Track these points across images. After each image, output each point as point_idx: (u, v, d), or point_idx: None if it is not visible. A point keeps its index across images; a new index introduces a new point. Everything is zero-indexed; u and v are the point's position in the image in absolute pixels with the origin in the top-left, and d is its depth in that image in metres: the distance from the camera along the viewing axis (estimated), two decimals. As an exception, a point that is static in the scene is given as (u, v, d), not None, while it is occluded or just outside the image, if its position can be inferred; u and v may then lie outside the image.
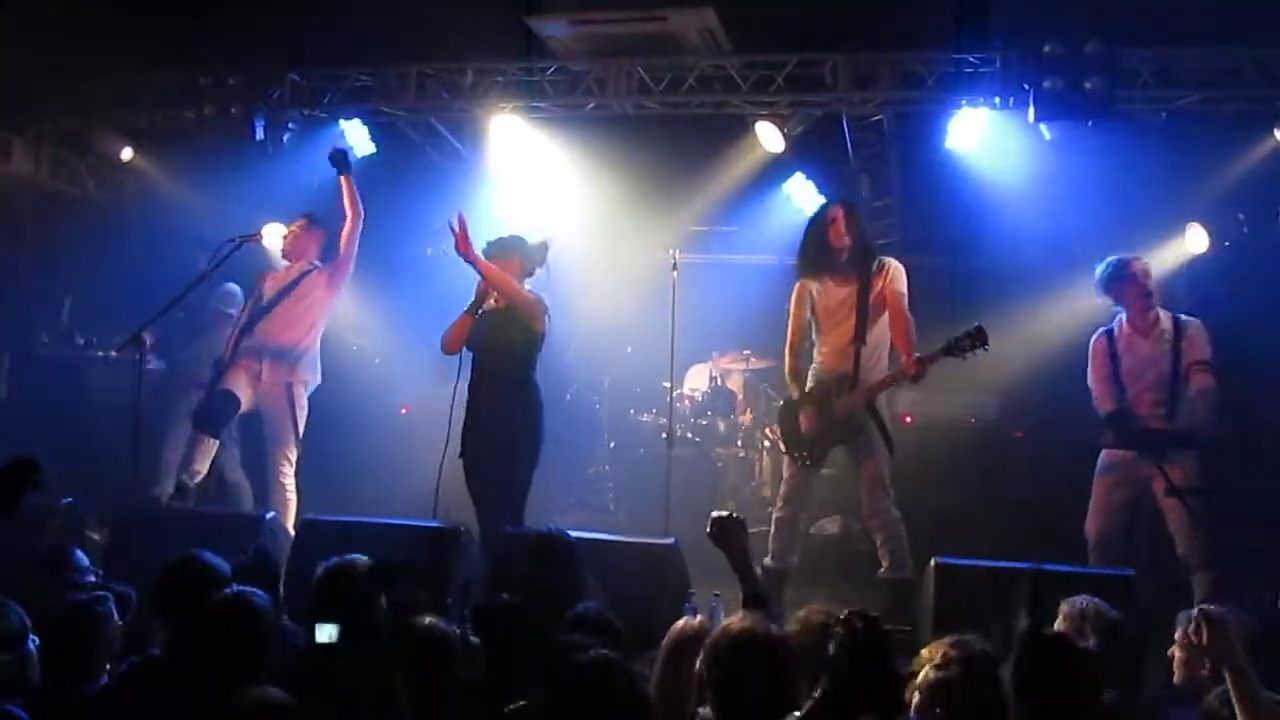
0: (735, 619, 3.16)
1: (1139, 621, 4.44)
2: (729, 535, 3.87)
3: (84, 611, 3.66)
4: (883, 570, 6.23)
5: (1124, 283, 6.45)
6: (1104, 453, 6.44)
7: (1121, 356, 6.47)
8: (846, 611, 2.29)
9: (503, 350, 6.28)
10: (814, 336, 6.52)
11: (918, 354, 6.07)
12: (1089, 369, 6.63)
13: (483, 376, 6.32)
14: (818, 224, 6.46)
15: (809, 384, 6.46)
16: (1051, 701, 2.85)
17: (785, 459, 6.58)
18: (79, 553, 4.60)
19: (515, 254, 6.37)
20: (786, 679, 2.96)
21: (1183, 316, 6.47)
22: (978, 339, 6.04)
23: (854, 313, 6.32)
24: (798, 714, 2.29)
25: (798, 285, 6.55)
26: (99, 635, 3.62)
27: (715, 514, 3.90)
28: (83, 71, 8.57)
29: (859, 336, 6.30)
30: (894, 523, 6.22)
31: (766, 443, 9.64)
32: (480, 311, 6.34)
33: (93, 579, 4.25)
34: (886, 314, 6.31)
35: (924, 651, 3.69)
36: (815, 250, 6.43)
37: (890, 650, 2.21)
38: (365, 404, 9.64)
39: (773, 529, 6.48)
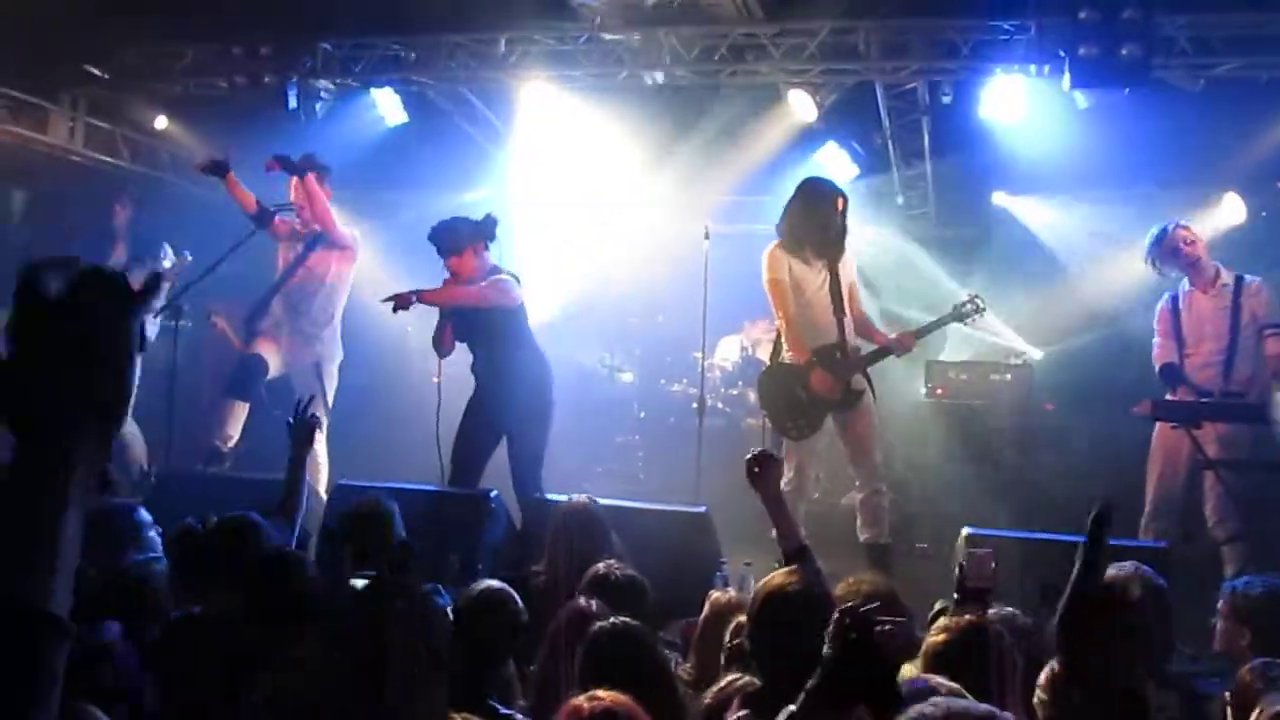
0: (780, 573, 3.06)
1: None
2: (766, 473, 3.82)
3: (144, 569, 3.72)
4: (863, 535, 6.24)
5: (1170, 255, 6.64)
6: (1156, 428, 6.48)
7: (1183, 312, 6.68)
8: (844, 607, 2.23)
9: (486, 336, 6.54)
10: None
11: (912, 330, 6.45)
12: (1155, 329, 6.82)
13: (479, 360, 6.66)
14: (826, 201, 6.29)
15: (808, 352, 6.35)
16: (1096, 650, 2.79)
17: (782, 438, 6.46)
18: (142, 511, 4.63)
19: (464, 240, 6.45)
20: None
21: (1246, 276, 6.61)
22: (977, 306, 6.37)
23: (828, 289, 6.30)
24: (792, 708, 2.25)
25: (775, 250, 6.35)
26: (159, 592, 3.67)
27: (754, 449, 3.89)
28: (115, 41, 8.59)
29: (840, 309, 6.30)
30: (880, 491, 6.27)
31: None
32: (452, 311, 6.57)
33: (154, 535, 4.28)
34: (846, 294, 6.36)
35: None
36: (814, 227, 6.29)
37: (884, 643, 2.16)
38: (397, 372, 9.70)
39: None
